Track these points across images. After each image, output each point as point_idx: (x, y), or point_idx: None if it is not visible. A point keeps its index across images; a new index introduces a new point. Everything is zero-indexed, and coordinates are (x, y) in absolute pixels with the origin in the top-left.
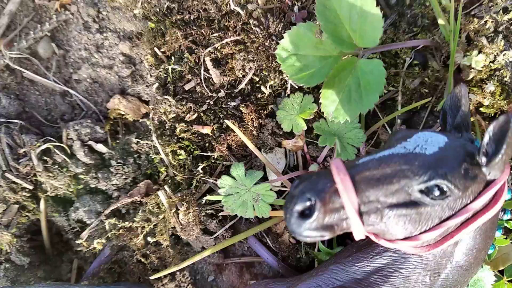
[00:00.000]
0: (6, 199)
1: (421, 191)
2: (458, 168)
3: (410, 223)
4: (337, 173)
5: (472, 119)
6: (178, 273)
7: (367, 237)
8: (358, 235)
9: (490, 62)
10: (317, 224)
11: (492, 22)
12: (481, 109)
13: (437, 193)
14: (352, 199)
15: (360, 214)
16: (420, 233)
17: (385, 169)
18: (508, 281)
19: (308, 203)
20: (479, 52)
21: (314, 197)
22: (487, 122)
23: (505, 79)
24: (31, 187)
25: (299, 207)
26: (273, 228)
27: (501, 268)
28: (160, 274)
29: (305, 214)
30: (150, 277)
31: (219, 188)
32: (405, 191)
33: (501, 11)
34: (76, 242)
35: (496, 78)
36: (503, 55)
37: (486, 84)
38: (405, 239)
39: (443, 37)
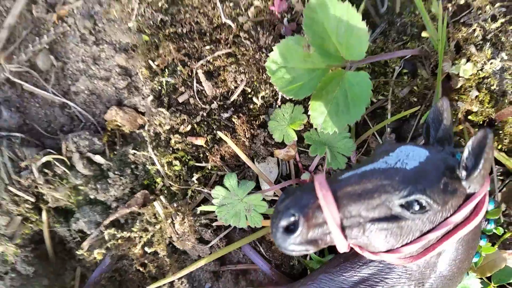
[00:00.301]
0: (9, 211)
1: (401, 206)
2: (437, 183)
3: (391, 237)
4: (319, 189)
5: (461, 127)
6: (176, 280)
7: (353, 248)
8: (341, 248)
9: (478, 70)
10: (301, 239)
11: (480, 30)
12: (469, 117)
13: (416, 207)
14: (334, 214)
15: (343, 228)
16: (402, 245)
17: (367, 184)
18: (497, 287)
19: (292, 219)
20: (468, 60)
21: (298, 213)
22: (476, 129)
23: (492, 87)
24: (33, 199)
25: (284, 223)
26: (266, 237)
27: (488, 275)
28: (158, 283)
29: (290, 229)
30: (148, 287)
31: (213, 198)
32: (386, 206)
33: (489, 19)
34: (78, 252)
35: (484, 86)
36: (490, 63)
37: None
38: (387, 251)
39: (432, 46)
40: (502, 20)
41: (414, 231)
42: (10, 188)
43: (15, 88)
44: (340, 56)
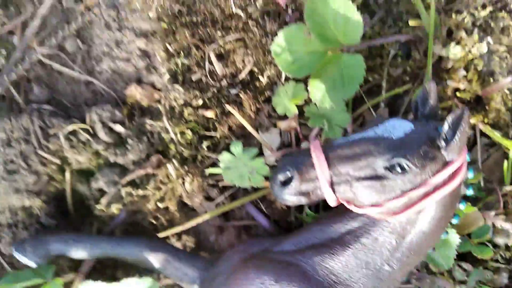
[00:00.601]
0: (37, 171)
1: (385, 168)
2: (417, 150)
3: (375, 193)
4: (313, 151)
5: (450, 102)
6: (184, 234)
7: (342, 204)
8: (331, 202)
9: (467, 52)
10: (295, 191)
11: (470, 17)
12: (457, 93)
13: (398, 169)
14: (324, 171)
15: (332, 184)
16: (385, 201)
17: (355, 149)
18: (478, 243)
19: (288, 173)
20: (458, 43)
21: (293, 169)
22: (464, 104)
23: (478, 67)
24: (58, 162)
25: (281, 177)
26: (267, 197)
27: (467, 232)
28: (167, 233)
29: (286, 183)
30: (158, 235)
31: (220, 162)
32: (371, 167)
33: (479, 7)
34: (97, 207)
35: (472, 66)
36: (477, 48)
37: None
38: (371, 206)
39: (425, 32)
40: (491, 8)
41: (396, 189)
42: (39, 151)
43: (45, 68)
44: (338, 41)
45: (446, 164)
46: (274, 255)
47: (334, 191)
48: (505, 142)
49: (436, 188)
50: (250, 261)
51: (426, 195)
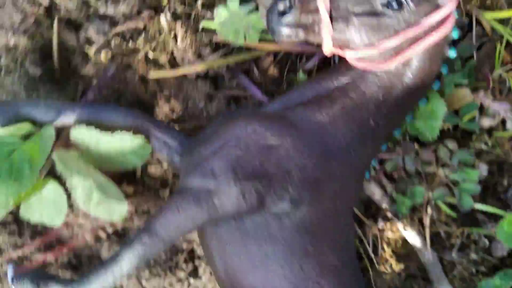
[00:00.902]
0: (23, 10)
1: (382, 4)
2: None
3: (371, 31)
4: None
5: None
6: (173, 98)
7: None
8: (327, 43)
9: None
10: (294, 21)
11: None
12: None
13: (395, 5)
14: (326, 2)
15: (331, 18)
16: (379, 41)
17: None
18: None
19: (287, 2)
20: None
21: None
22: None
23: None
24: (47, 4)
25: (280, 6)
26: (260, 65)
27: (455, 108)
28: (158, 74)
29: (284, 13)
30: (150, 74)
31: (216, 16)
32: (369, 2)
33: None
34: (86, 51)
35: None
36: None
37: None
38: (366, 47)
39: None
40: None
41: (390, 28)
42: None
43: None
44: None
45: (437, 6)
46: (262, 112)
47: (331, 28)
48: (498, 27)
49: (426, 33)
50: (238, 116)
51: (416, 39)
